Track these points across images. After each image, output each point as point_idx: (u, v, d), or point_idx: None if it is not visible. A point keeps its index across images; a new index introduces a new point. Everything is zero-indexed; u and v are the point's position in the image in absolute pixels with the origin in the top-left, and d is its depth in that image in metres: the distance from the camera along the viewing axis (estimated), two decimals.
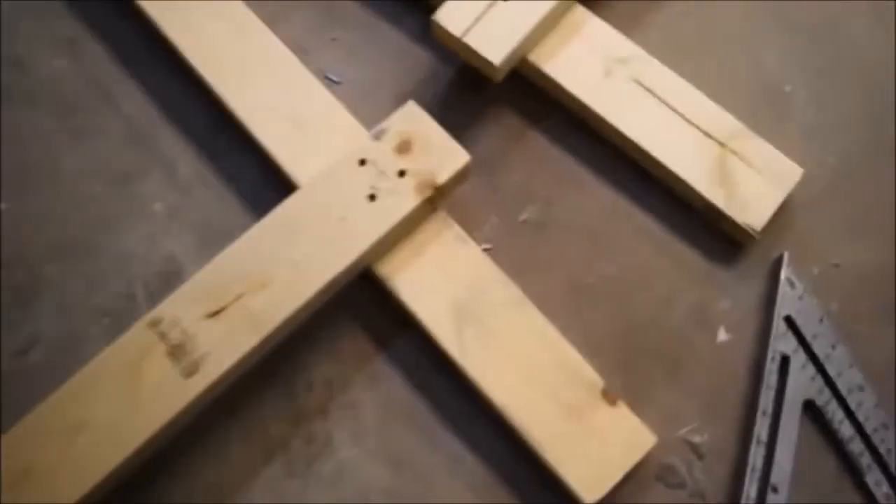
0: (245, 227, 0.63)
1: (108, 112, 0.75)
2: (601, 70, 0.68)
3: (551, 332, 0.61)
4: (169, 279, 0.68)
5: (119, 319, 0.67)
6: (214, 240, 0.67)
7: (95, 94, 0.75)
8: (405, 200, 0.60)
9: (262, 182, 0.69)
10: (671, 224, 0.68)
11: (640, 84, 0.68)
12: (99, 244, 0.70)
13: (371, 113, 0.67)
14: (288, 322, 0.58)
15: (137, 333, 0.58)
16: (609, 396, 0.59)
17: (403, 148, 0.62)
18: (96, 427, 0.55)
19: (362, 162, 0.62)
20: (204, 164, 0.72)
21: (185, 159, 0.72)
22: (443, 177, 0.61)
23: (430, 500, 0.60)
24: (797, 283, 0.66)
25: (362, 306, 0.65)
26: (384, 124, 0.63)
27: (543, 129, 0.71)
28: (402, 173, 0.61)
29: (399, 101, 0.65)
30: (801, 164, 0.66)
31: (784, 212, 0.66)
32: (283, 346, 0.63)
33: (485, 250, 0.64)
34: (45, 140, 0.74)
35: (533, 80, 0.70)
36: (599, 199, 0.68)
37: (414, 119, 0.63)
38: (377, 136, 0.62)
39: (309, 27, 0.75)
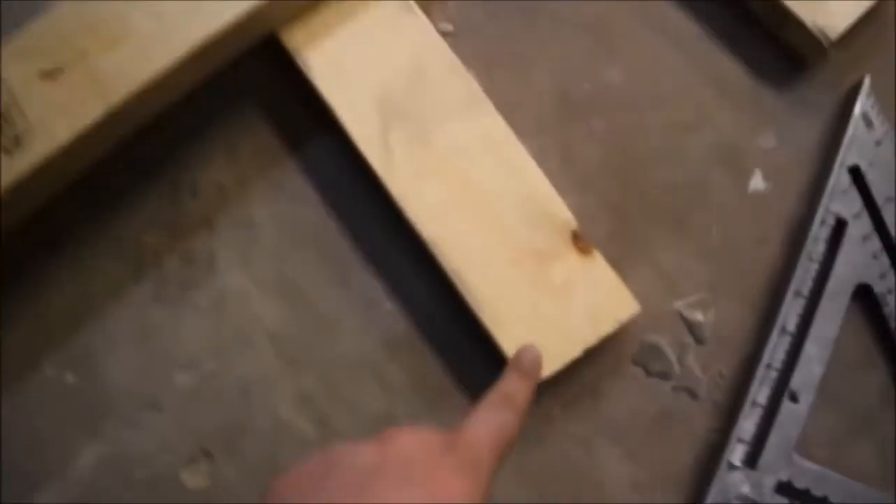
0: None
1: None
2: None
3: (514, 149, 0.44)
4: None
5: None
6: None
7: None
8: None
9: None
10: (710, 23, 0.48)
11: None
12: None
13: None
14: (147, 93, 0.42)
15: None
16: (581, 243, 0.42)
17: None
18: None
19: None
20: None
21: None
22: None
23: (329, 350, 0.46)
24: (876, 123, 0.47)
25: (272, 92, 0.48)
26: None
27: None
28: None
29: None
30: None
31: (872, 24, 0.46)
32: (166, 137, 0.47)
33: (443, 33, 0.46)
34: None
35: None
36: None
37: None
38: None
39: None
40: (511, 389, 0.34)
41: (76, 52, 0.42)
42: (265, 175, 0.48)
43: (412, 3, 0.45)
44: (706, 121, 0.47)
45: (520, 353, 0.37)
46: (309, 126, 0.48)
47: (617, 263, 0.43)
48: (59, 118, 0.42)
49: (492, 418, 0.32)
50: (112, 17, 0.42)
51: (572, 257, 0.42)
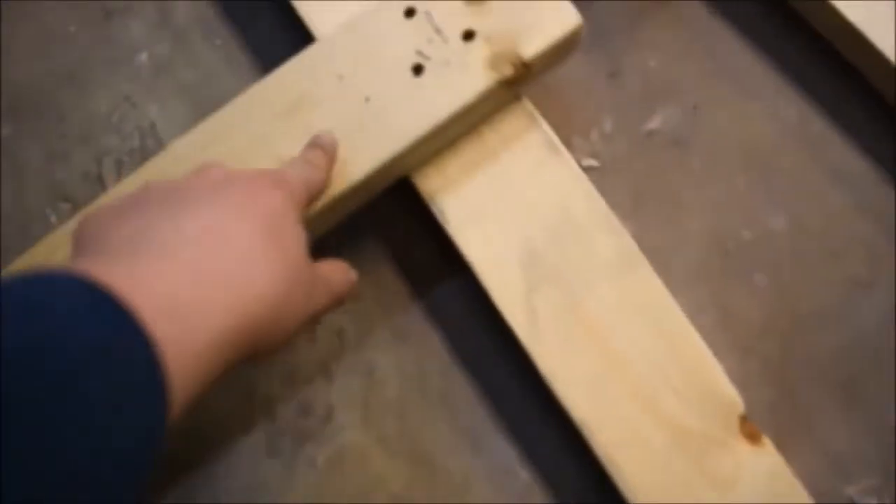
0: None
1: None
2: None
3: (672, 314, 0.39)
4: (146, 157, 0.49)
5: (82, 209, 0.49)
6: (211, 110, 0.48)
7: None
8: (470, 79, 0.38)
9: (281, 32, 0.48)
10: (883, 161, 0.43)
11: None
12: (64, 104, 0.52)
13: None
14: None
15: (64, 240, 0.40)
16: (750, 428, 0.37)
17: None
18: None
19: (409, 12, 0.40)
20: (210, 4, 0.51)
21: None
22: (534, 47, 0.39)
23: None
24: None
25: (397, 232, 0.45)
26: None
27: None
28: (468, 35, 0.39)
29: None
30: None
31: None
32: None
33: (586, 169, 0.42)
34: None
35: None
36: (775, 107, 0.44)
37: None
38: None
39: None
40: (311, 156, 0.37)
41: None
42: (388, 320, 0.44)
43: (555, 139, 0.41)
44: (883, 276, 0.42)
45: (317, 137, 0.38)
46: (436, 267, 0.44)
47: (780, 440, 0.38)
48: None
49: (299, 168, 0.35)
50: (239, 165, 0.39)
51: (739, 446, 0.37)
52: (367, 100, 0.39)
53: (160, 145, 0.49)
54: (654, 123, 0.44)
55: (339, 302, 0.35)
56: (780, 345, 0.42)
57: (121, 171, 0.50)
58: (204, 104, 0.50)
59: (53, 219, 0.50)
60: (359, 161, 0.38)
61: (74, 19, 0.53)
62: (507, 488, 0.42)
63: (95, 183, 0.50)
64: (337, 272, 0.35)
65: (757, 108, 0.44)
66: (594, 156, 0.44)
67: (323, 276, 0.33)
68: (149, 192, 0.30)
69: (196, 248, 0.27)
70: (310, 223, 0.39)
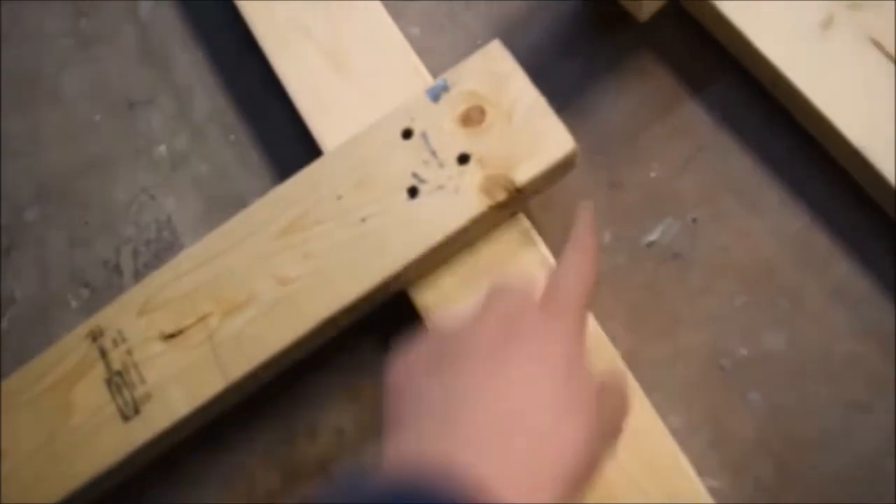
0: (256, 192, 0.45)
1: (122, 14, 0.58)
2: (817, 19, 0.42)
3: (660, 436, 0.39)
4: (160, 253, 0.51)
5: (99, 296, 0.51)
6: (225, 208, 0.49)
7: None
8: (464, 203, 0.39)
9: (294, 135, 0.50)
10: (884, 280, 0.43)
11: (872, 38, 0.41)
12: (88, 192, 0.54)
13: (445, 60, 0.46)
14: (269, 364, 0.40)
15: (75, 343, 0.42)
16: None
17: (472, 117, 0.40)
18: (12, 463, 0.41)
19: (407, 133, 0.41)
20: (227, 100, 0.53)
21: (203, 90, 0.54)
22: (527, 173, 0.39)
23: None
24: None
25: (398, 333, 0.46)
26: (449, 74, 0.41)
27: (706, 98, 0.46)
28: (463, 159, 0.40)
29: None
30: None
31: None
32: (286, 378, 0.45)
33: None
34: (49, 42, 0.58)
35: (701, 22, 0.45)
36: (777, 222, 0.44)
37: (495, 70, 0.41)
38: (436, 95, 0.41)
39: None
40: (581, 266, 0.32)
41: (198, 316, 0.41)
42: None
43: (550, 257, 0.42)
44: (882, 400, 0.41)
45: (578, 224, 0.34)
46: None
47: None
48: (177, 388, 0.40)
49: (573, 284, 0.32)
50: (237, 276, 0.41)
51: None
52: (363, 220, 0.40)
53: (175, 237, 0.51)
54: (653, 236, 0.44)
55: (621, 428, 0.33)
56: (775, 466, 0.41)
57: (137, 260, 0.52)
58: (218, 199, 0.51)
59: (74, 304, 0.52)
60: (354, 280, 0.39)
61: (100, 108, 0.56)
62: None
63: (113, 272, 0.52)
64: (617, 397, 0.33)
65: (759, 223, 0.44)
66: None
67: (609, 406, 0.32)
68: (446, 344, 0.30)
69: (516, 419, 0.28)
70: (310, 337, 0.40)
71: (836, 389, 0.42)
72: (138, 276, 0.51)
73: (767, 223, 0.44)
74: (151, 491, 0.46)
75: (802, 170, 0.44)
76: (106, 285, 0.52)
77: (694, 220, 0.44)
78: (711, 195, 0.45)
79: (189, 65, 0.55)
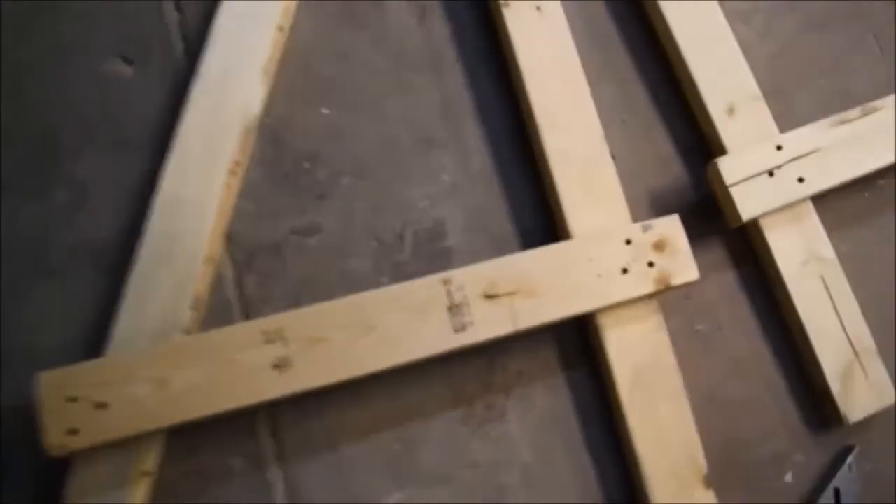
0: (503, 235, 0.86)
1: (433, 79, 0.92)
2: (801, 258, 0.88)
3: (688, 422, 0.81)
4: (433, 239, 0.86)
5: (386, 253, 0.85)
6: (478, 229, 0.86)
7: (429, 58, 0.92)
8: (646, 284, 0.80)
9: (533, 209, 0.87)
10: (794, 383, 0.88)
11: (824, 282, 0.88)
12: (391, 183, 0.87)
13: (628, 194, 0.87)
14: (536, 325, 0.77)
15: (430, 284, 0.76)
16: (707, 482, 0.80)
17: (659, 246, 0.81)
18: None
19: (628, 241, 0.81)
20: (494, 168, 0.90)
21: (480, 154, 0.90)
22: (677, 280, 0.81)
23: (553, 486, 0.80)
24: (854, 470, 0.88)
25: (566, 331, 0.84)
26: (654, 222, 0.82)
27: (739, 272, 0.91)
28: (650, 264, 0.81)
29: (651, 197, 0.87)
30: None
31: (872, 420, 0.88)
32: None
33: None
34: (377, 73, 0.91)
35: (753, 238, 0.90)
36: (755, 341, 0.88)
37: (674, 229, 0.82)
38: (645, 229, 0.82)
39: (610, 103, 0.93)
40: None
41: (508, 290, 0.77)
42: (547, 376, 0.84)
43: (662, 318, 0.83)
44: (771, 437, 0.87)
45: None
46: (580, 357, 0.84)
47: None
48: (485, 323, 0.76)
49: None
50: (534, 279, 0.78)
51: (700, 489, 0.79)
52: (598, 276, 0.79)
53: (443, 235, 0.86)
54: (700, 326, 0.88)
55: None
56: (720, 449, 0.85)
57: (415, 238, 0.86)
58: (474, 225, 0.87)
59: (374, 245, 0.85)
60: (584, 301, 0.78)
61: (409, 135, 0.90)
62: (579, 477, 0.81)
63: (398, 241, 0.85)
64: None
65: (748, 340, 0.89)
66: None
67: None
68: None
69: None
70: None
71: None
72: (415, 250, 0.85)
73: None
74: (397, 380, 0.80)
75: None
76: (390, 247, 0.85)
77: None
78: None
79: None
